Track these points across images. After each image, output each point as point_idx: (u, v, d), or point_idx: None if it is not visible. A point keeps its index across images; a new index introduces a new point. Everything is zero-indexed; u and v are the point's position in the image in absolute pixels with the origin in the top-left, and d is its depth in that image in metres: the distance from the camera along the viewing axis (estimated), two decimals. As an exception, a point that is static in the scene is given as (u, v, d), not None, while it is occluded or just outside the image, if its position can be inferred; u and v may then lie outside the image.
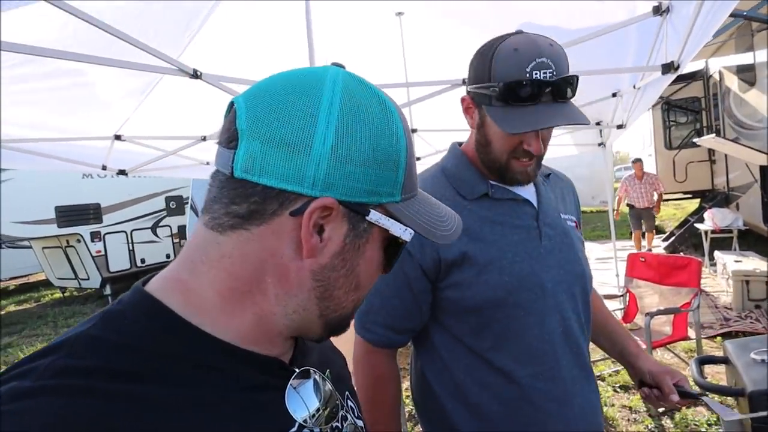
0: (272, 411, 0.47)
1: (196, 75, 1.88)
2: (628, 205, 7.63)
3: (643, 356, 1.12)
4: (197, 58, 2.31)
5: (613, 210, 6.51)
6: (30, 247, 8.41)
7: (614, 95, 3.32)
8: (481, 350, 0.99)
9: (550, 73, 0.87)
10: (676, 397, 1.01)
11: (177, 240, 9.13)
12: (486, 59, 0.93)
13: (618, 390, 3.38)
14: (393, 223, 0.48)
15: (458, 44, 2.80)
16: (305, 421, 0.48)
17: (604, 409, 3.10)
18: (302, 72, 0.47)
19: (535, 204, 1.03)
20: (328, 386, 0.53)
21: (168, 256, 8.97)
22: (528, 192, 1.05)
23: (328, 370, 0.56)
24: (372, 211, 0.47)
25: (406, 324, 1.05)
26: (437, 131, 3.96)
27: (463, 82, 2.32)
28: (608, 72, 2.51)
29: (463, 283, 0.98)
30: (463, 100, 1.02)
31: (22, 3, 1.64)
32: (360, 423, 0.59)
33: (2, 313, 8.38)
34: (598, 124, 4.41)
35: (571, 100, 0.93)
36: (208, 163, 3.99)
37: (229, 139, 0.45)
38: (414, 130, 3.97)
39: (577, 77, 0.91)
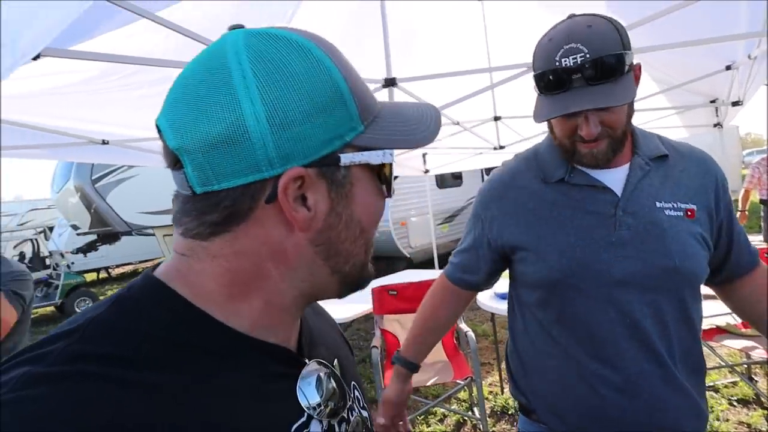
0: (281, 400, 0.47)
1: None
2: (761, 201, 5.37)
3: None
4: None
5: (738, 209, 5.19)
6: (153, 235, 9.54)
7: (728, 68, 2.94)
8: (547, 322, 1.05)
9: (580, 57, 0.88)
10: None
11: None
12: (534, 50, 0.98)
13: (735, 404, 3.02)
14: (369, 154, 0.46)
15: (543, 26, 2.66)
16: (306, 407, 0.48)
17: (716, 423, 2.78)
18: (200, 58, 0.43)
19: (619, 191, 1.00)
20: (332, 384, 0.51)
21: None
22: (614, 178, 1.01)
23: (336, 359, 0.56)
24: (342, 155, 0.44)
25: (473, 272, 1.19)
26: (522, 118, 3.79)
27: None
28: (713, 41, 2.22)
29: (528, 259, 1.05)
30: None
31: (131, 20, 1.85)
32: (365, 413, 0.59)
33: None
34: (713, 102, 3.93)
35: (618, 78, 0.89)
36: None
37: (173, 161, 0.43)
38: (497, 118, 3.85)
39: (615, 55, 0.88)
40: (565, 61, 0.88)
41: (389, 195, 0.51)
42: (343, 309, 3.94)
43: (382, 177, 0.49)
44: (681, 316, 0.99)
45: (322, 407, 0.49)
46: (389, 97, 2.54)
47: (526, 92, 3.18)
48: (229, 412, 0.41)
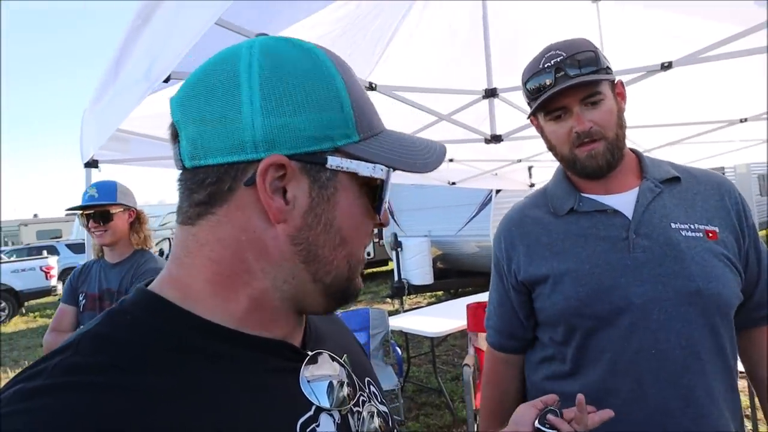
0: (283, 395, 0.46)
1: (371, 87, 2.07)
2: None
3: None
4: (385, 74, 2.53)
5: None
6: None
7: None
8: (568, 360, 1.02)
9: (560, 58, 0.98)
10: None
11: (376, 240, 10.01)
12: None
13: None
14: (359, 164, 0.46)
15: (661, 27, 2.43)
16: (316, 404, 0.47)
17: None
18: (220, 51, 0.47)
19: (630, 214, 0.99)
20: (343, 393, 0.50)
21: (369, 254, 9.94)
22: (623, 201, 1.02)
23: (345, 355, 0.55)
24: (330, 157, 0.44)
25: (513, 331, 1.14)
26: (637, 128, 3.47)
27: (662, 66, 1.99)
28: None
29: (543, 294, 1.03)
30: (531, 122, 1.13)
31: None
32: (383, 408, 0.57)
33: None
34: None
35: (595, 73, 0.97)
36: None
37: (172, 135, 0.46)
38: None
39: (591, 51, 0.98)
40: (547, 63, 0.99)
41: (381, 221, 0.50)
42: (437, 323, 3.91)
43: (374, 197, 0.48)
44: (714, 347, 0.93)
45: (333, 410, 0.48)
46: (489, 108, 2.48)
47: (640, 99, 2.91)
48: (227, 410, 0.41)
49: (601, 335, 0.96)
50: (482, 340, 3.26)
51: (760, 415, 3.26)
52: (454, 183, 4.61)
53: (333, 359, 0.52)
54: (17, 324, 9.40)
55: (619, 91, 1.04)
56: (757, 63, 2.31)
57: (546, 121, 1.04)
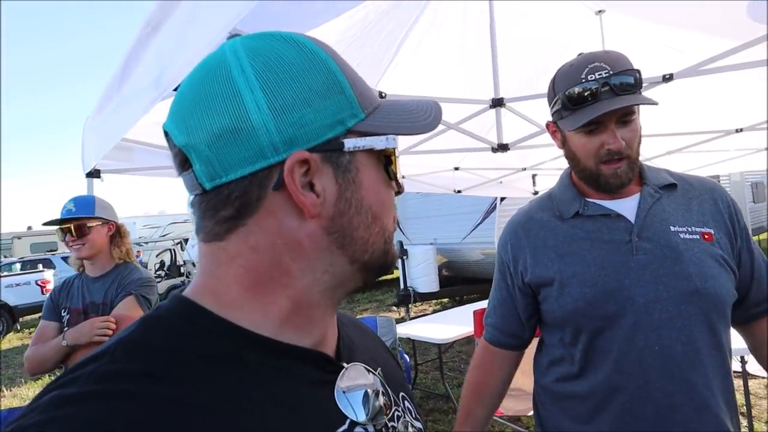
0: (319, 407, 0.45)
1: (380, 96, 2.07)
2: None
3: None
4: (393, 83, 2.53)
5: None
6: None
7: None
8: (576, 360, 1.05)
9: (605, 72, 0.97)
10: None
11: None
12: (551, 82, 1.08)
13: None
14: (372, 140, 0.46)
15: (662, 40, 2.43)
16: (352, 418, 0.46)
17: None
18: (201, 63, 0.46)
19: (632, 218, 1.03)
20: (379, 402, 0.49)
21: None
22: (626, 206, 1.05)
23: (379, 369, 0.54)
24: (345, 141, 0.45)
25: (510, 328, 1.19)
26: (643, 137, 3.45)
27: (663, 78, 2.00)
28: None
29: (551, 296, 1.06)
30: (547, 125, 1.15)
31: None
32: (418, 424, 0.56)
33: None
34: None
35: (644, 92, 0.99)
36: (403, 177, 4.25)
37: (181, 163, 0.45)
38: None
39: (635, 70, 0.97)
40: (591, 76, 0.98)
41: (398, 189, 0.52)
42: (444, 330, 3.88)
43: (389, 169, 0.49)
44: (712, 343, 0.99)
45: (368, 423, 0.47)
46: (496, 117, 2.48)
47: (641, 109, 2.90)
48: (260, 423, 0.40)
49: (607, 335, 1.00)
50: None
51: (755, 412, 3.31)
52: (459, 191, 4.61)
53: (368, 371, 0.52)
54: (12, 341, 9.00)
55: None
56: (753, 75, 2.31)
57: (575, 132, 1.03)
